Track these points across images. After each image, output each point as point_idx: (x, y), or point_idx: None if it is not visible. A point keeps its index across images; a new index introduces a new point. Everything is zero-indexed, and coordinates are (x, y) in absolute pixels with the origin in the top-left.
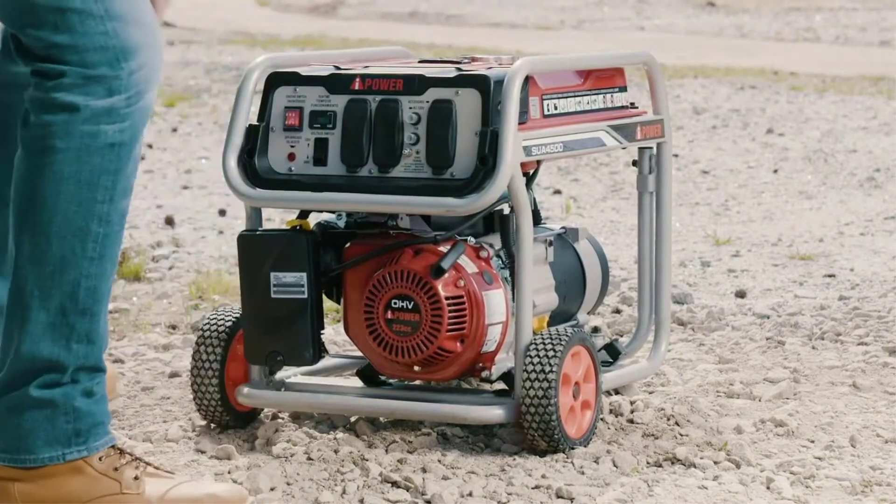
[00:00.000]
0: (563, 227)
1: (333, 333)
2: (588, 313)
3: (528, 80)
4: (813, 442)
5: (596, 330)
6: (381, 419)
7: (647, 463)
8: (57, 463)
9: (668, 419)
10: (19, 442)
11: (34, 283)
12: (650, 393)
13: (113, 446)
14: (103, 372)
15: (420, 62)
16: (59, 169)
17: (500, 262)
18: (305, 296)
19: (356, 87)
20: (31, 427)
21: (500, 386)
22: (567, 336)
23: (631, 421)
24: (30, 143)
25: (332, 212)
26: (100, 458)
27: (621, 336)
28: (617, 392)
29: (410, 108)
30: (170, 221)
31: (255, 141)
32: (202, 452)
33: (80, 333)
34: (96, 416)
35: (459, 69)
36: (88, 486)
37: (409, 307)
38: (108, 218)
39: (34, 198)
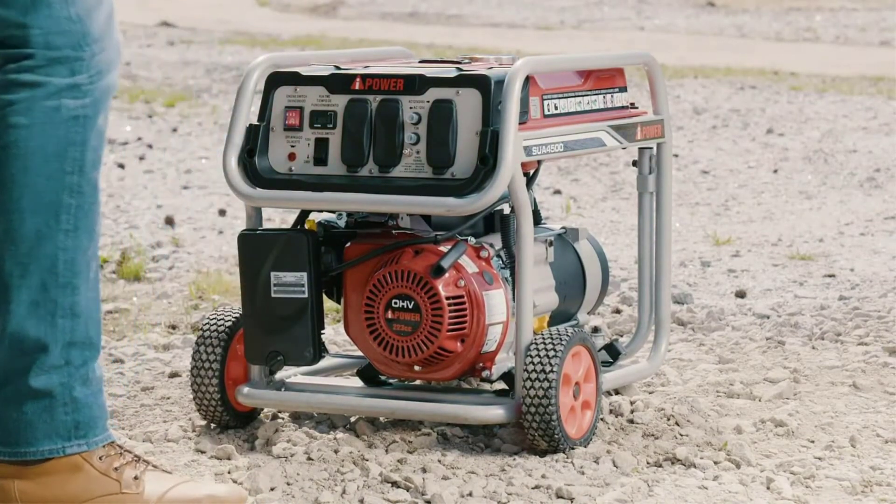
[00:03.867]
0: (563, 227)
1: (333, 333)
2: (588, 313)
3: (528, 80)
4: (813, 442)
5: (596, 330)
6: (381, 419)
7: (647, 463)
8: (57, 457)
9: (668, 419)
10: (19, 435)
11: (12, 262)
12: (650, 393)
13: (112, 443)
14: (96, 350)
15: (420, 62)
16: (24, 144)
17: (501, 261)
18: (306, 295)
19: (357, 87)
20: (31, 419)
21: (501, 386)
22: (567, 336)
23: (631, 421)
24: None
25: (333, 211)
26: (100, 458)
27: (621, 336)
28: (617, 392)
29: (411, 107)
30: (170, 221)
31: (255, 141)
32: (202, 452)
33: (64, 308)
34: (94, 409)
35: (460, 69)
36: (88, 485)
37: (410, 307)
38: (80, 189)
39: (3, 176)
